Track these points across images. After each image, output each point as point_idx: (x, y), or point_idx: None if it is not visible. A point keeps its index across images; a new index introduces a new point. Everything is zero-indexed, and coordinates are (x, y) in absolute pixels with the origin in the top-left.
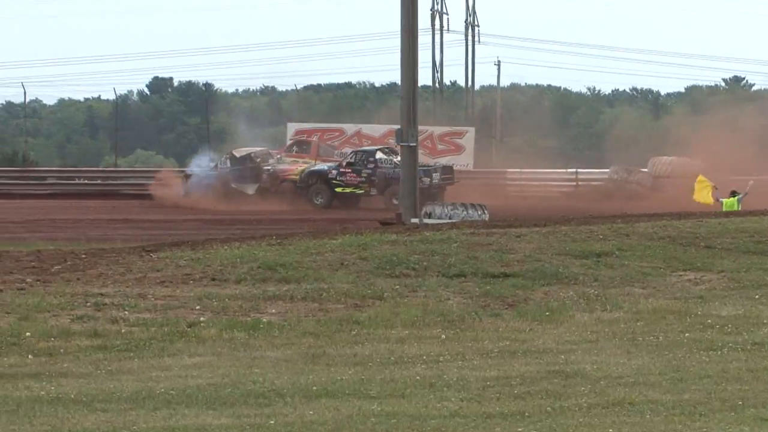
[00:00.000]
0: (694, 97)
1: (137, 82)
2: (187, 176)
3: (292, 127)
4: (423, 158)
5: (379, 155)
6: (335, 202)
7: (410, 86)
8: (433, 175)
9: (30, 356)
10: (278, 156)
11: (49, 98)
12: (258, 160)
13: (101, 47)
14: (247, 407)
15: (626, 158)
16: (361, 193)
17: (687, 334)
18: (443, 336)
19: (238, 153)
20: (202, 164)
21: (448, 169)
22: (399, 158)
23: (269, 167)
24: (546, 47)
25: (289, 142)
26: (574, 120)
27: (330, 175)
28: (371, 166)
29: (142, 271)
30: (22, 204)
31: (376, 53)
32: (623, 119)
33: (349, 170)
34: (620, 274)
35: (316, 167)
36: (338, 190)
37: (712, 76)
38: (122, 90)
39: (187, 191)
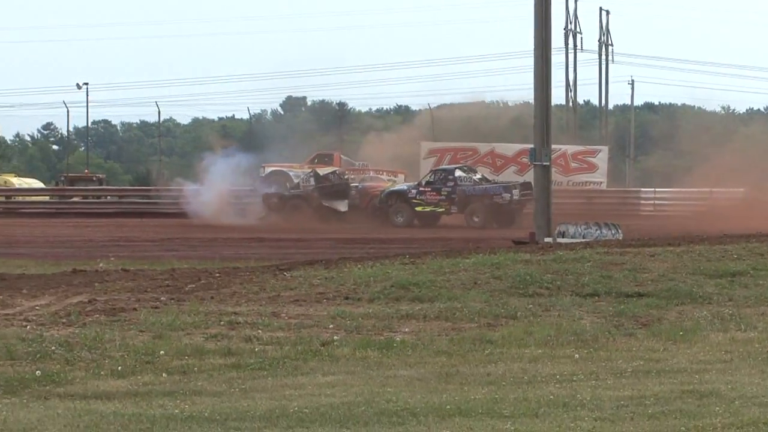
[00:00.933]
0: None
1: (271, 101)
2: (269, 195)
3: (425, 146)
4: (505, 175)
5: (458, 173)
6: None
7: (544, 105)
8: (513, 191)
9: (164, 374)
10: (303, 169)
11: (183, 117)
12: (345, 177)
13: (235, 67)
14: (380, 426)
15: (761, 178)
16: (441, 212)
17: None
18: (577, 355)
19: (322, 171)
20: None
21: (527, 185)
22: (478, 176)
23: (357, 184)
24: (680, 66)
25: (311, 156)
26: (707, 139)
27: (410, 194)
28: (451, 184)
29: (276, 290)
30: (157, 222)
31: (509, 72)
32: (759, 138)
33: (429, 189)
34: (755, 293)
35: (396, 187)
36: (418, 209)
37: None
38: (256, 109)
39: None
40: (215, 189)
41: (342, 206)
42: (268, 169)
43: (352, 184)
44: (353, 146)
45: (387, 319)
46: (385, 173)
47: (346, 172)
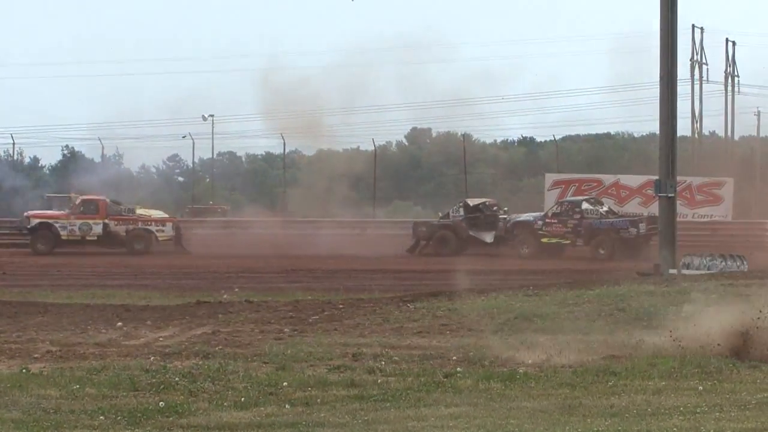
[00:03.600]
0: None
1: (396, 133)
2: (418, 224)
3: (549, 178)
4: (630, 207)
5: (585, 205)
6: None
7: (669, 137)
8: (640, 225)
9: (287, 406)
10: (71, 216)
11: (309, 149)
12: (494, 208)
13: (359, 99)
14: None
15: None
16: (567, 244)
17: None
18: (700, 387)
19: (472, 201)
20: None
21: (653, 219)
22: (605, 208)
23: (504, 216)
24: None
25: (77, 201)
26: None
27: (536, 226)
28: (577, 216)
29: (399, 321)
30: (281, 253)
31: (635, 104)
32: None
33: (555, 220)
34: None
35: (522, 217)
36: (544, 240)
37: None
38: (381, 141)
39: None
40: None
41: (488, 237)
42: None
43: (500, 216)
44: (475, 177)
45: (510, 351)
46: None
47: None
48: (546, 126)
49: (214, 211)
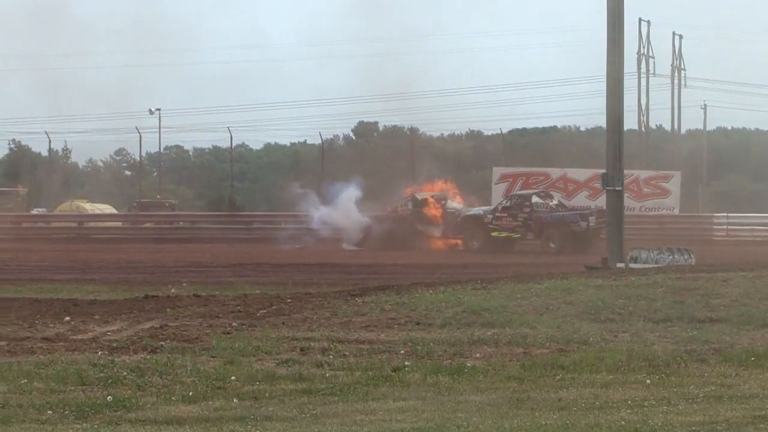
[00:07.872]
0: None
1: (343, 127)
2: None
3: (497, 171)
4: (577, 200)
5: (535, 199)
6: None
7: (616, 130)
8: (589, 219)
9: (235, 400)
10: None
11: (256, 143)
12: (443, 202)
13: (307, 92)
14: None
15: None
16: (517, 237)
17: None
18: (648, 381)
19: (420, 195)
20: None
21: (603, 212)
22: (554, 202)
23: (452, 209)
24: (753, 91)
25: None
26: None
27: (486, 219)
28: (527, 210)
29: (347, 315)
30: (229, 248)
31: (581, 97)
32: None
33: (505, 214)
34: None
35: (472, 211)
36: (494, 234)
37: None
38: (328, 134)
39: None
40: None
41: (437, 231)
42: None
43: (448, 209)
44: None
45: (458, 345)
46: None
47: (443, 197)
48: (493, 119)
49: (161, 206)
